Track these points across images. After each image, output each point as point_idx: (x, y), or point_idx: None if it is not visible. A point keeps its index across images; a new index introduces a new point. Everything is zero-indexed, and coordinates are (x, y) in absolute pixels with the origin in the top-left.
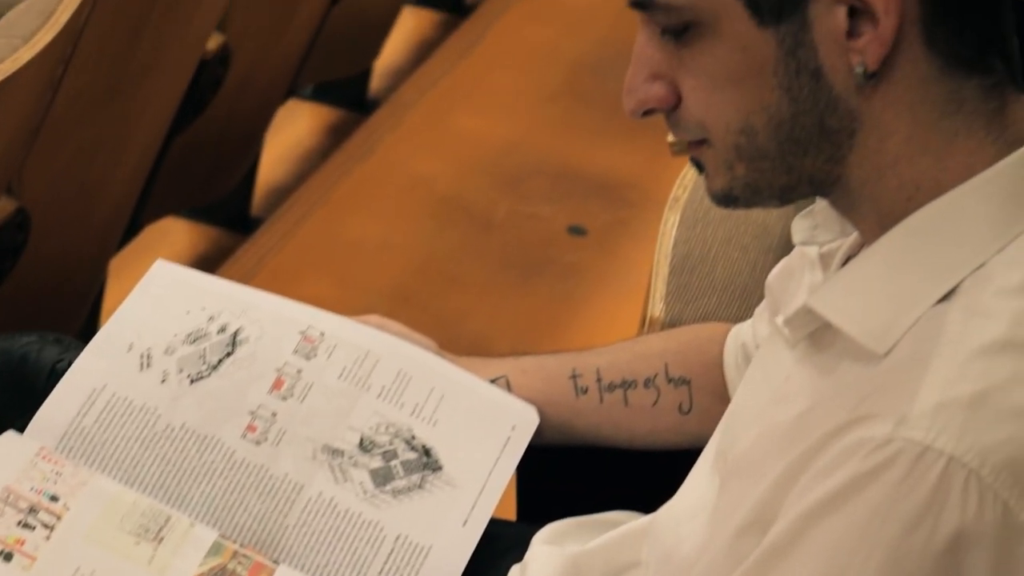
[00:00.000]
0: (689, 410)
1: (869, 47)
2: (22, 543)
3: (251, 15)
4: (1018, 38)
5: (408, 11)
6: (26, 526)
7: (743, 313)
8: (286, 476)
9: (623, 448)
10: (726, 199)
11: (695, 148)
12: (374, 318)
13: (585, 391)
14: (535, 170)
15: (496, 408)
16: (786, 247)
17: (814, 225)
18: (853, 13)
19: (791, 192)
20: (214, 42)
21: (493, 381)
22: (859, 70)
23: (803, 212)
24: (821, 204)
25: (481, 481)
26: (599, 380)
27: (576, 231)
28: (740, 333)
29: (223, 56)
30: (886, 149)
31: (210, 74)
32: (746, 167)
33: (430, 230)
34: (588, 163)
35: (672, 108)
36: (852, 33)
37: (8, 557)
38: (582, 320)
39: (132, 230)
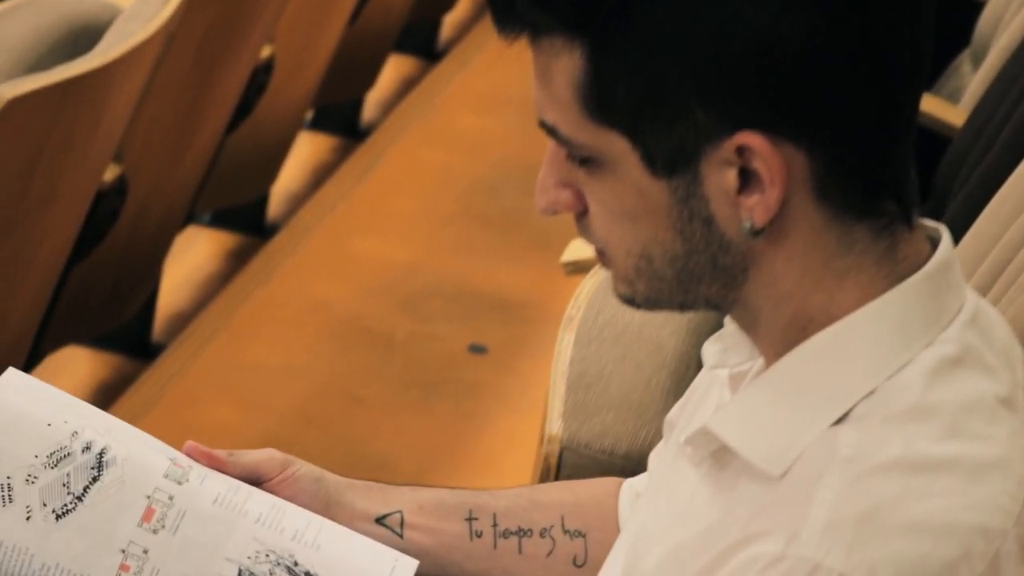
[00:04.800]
0: (583, 563)
1: (756, 208)
2: None
3: (147, 146)
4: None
5: (304, 136)
6: None
7: (639, 429)
8: None
9: None
10: (629, 303)
11: (600, 256)
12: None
13: (480, 535)
14: (433, 291)
15: (376, 554)
16: (679, 363)
17: (723, 348)
18: (744, 172)
19: (689, 307)
20: (111, 173)
21: (387, 516)
22: (747, 225)
23: (713, 337)
24: (730, 328)
25: None
26: (495, 525)
27: (476, 349)
28: (634, 485)
29: (120, 187)
30: (779, 285)
31: (107, 204)
32: (645, 285)
33: (331, 352)
34: (485, 282)
35: (581, 213)
36: (743, 190)
37: None
38: (483, 438)
39: (32, 360)
